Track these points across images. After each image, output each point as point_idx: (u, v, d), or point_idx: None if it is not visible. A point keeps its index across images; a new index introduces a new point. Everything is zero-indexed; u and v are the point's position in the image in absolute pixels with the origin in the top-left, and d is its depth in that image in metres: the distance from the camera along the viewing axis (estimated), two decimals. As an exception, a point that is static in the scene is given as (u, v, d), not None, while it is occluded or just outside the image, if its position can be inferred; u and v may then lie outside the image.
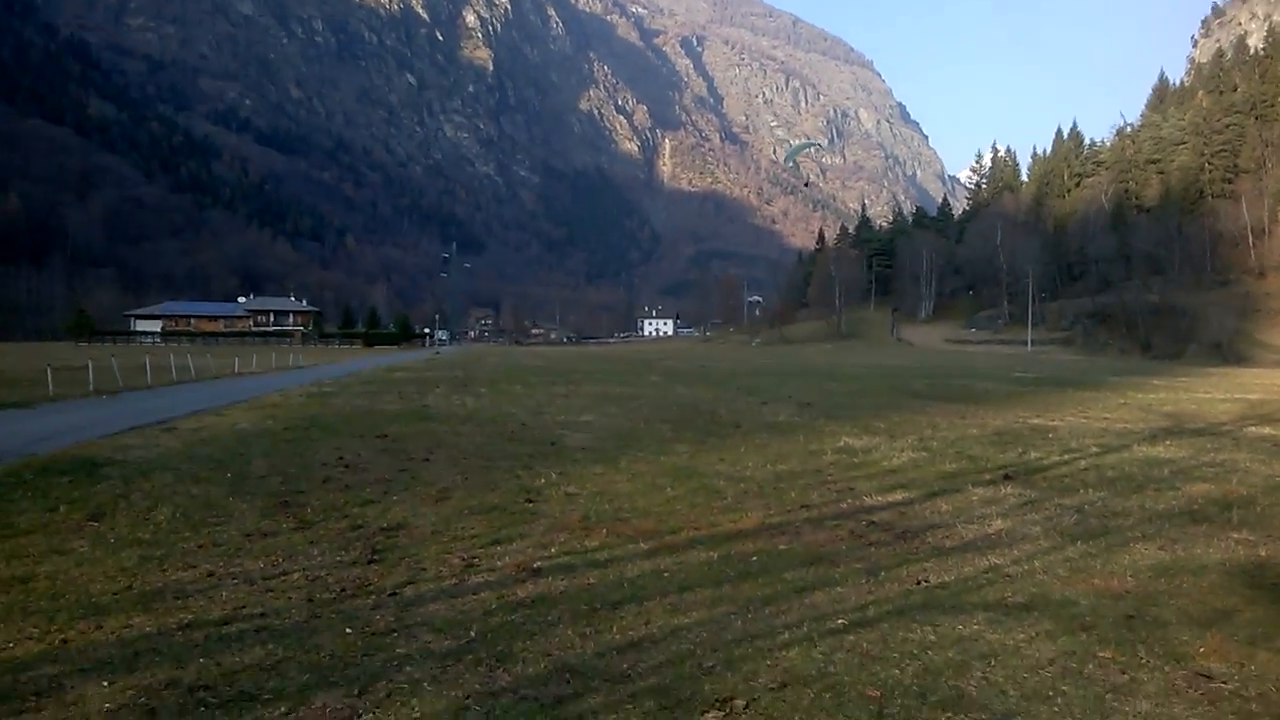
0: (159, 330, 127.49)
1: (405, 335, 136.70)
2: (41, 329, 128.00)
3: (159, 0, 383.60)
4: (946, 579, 7.36)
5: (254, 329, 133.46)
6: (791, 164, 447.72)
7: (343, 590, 6.85)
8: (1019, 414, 22.06)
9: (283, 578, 7.16)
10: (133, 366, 36.90)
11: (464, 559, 7.79)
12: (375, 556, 7.86)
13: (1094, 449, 15.36)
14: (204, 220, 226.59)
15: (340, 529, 8.91)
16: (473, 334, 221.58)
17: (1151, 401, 27.40)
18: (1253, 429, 19.21)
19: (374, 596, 6.69)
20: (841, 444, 15.50)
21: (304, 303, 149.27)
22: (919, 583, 7.23)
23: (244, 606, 6.40)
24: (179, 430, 16.69)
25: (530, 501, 10.33)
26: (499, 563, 7.70)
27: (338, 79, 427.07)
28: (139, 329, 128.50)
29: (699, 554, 8.03)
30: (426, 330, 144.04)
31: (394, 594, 6.75)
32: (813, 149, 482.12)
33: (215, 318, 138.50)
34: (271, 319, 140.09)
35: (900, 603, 6.68)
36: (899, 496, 10.88)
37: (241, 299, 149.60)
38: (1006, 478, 12.24)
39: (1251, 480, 12.25)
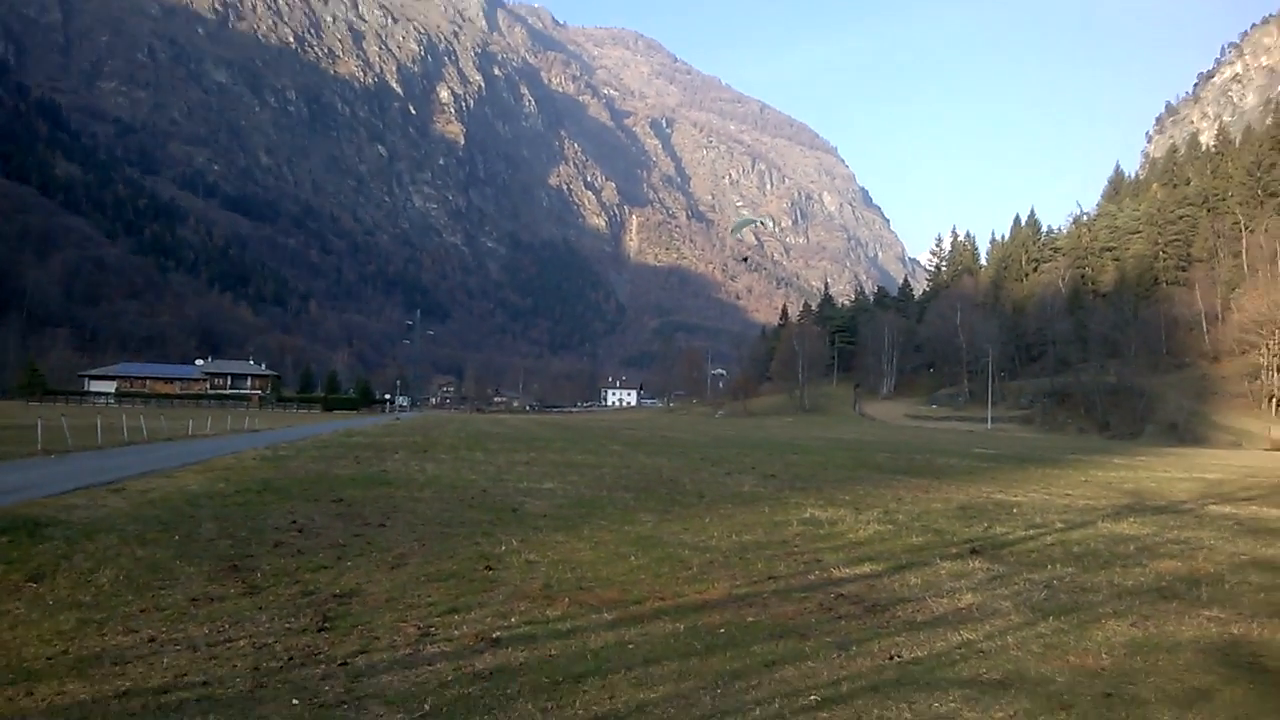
0: (113, 391, 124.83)
1: (365, 400, 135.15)
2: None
3: (133, 65, 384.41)
4: (919, 654, 7.15)
5: (210, 392, 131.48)
6: (739, 236, 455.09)
7: (291, 659, 6.50)
8: (982, 489, 22.03)
9: (228, 645, 6.81)
10: (84, 427, 36.00)
11: (419, 628, 7.48)
12: (326, 624, 7.52)
13: (1059, 525, 15.30)
14: (165, 283, 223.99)
15: (290, 595, 8.55)
16: (434, 400, 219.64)
17: (1112, 479, 27.52)
18: (1213, 507, 19.28)
19: (324, 666, 6.35)
20: (807, 515, 15.31)
21: (263, 366, 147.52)
22: (891, 658, 7.02)
23: (185, 674, 6.05)
24: (127, 491, 16.15)
25: (490, 569, 10.01)
26: (456, 632, 7.39)
27: (308, 148, 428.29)
28: (93, 389, 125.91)
29: (665, 625, 7.77)
30: (387, 396, 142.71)
31: (345, 664, 6.41)
32: (759, 224, 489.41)
33: (171, 380, 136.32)
34: (229, 382, 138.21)
35: (873, 679, 6.45)
36: (867, 569, 10.69)
37: (199, 361, 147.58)
38: (974, 552, 12.10)
39: (1217, 558, 12.21)
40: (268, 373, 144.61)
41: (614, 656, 6.79)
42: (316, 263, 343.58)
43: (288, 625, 7.45)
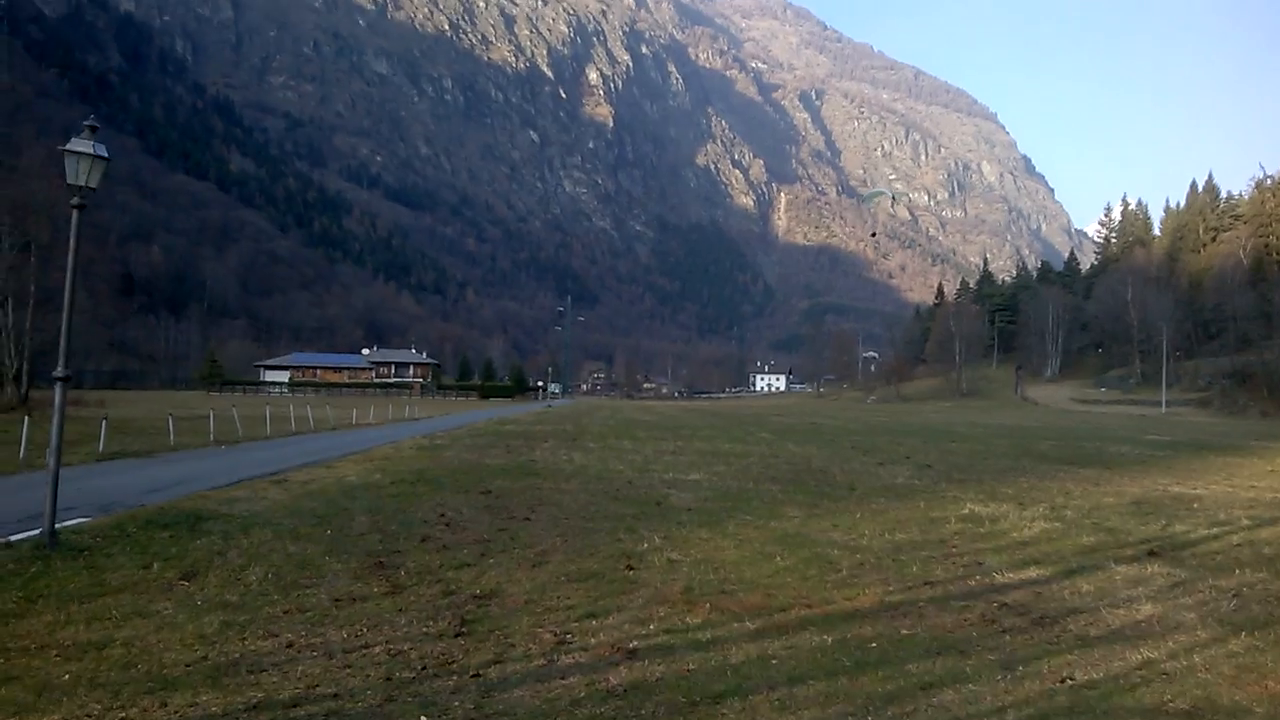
0: (286, 380, 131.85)
1: (519, 387, 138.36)
2: (176, 377, 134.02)
3: (299, 59, 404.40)
4: (1095, 676, 6.49)
5: (376, 380, 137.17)
6: (872, 205, 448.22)
7: (424, 668, 6.40)
8: (1158, 481, 20.56)
9: (364, 651, 6.76)
10: (254, 417, 37.91)
11: (556, 634, 7.29)
12: (464, 628, 7.43)
13: (1245, 522, 14.02)
14: (333, 273, 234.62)
15: (432, 595, 8.55)
16: (585, 387, 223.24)
17: (1304, 469, 25.30)
18: None
19: (456, 677, 6.21)
20: (966, 511, 14.53)
21: (424, 355, 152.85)
22: (1064, 680, 6.39)
23: (318, 685, 6.00)
24: (288, 483, 16.75)
25: (630, 569, 9.79)
26: (593, 640, 7.17)
27: (464, 136, 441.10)
28: (268, 379, 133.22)
29: (811, 637, 7.33)
30: (540, 383, 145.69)
31: (477, 675, 6.26)
32: (891, 196, 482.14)
33: (340, 369, 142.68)
34: (393, 370, 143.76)
35: (1044, 705, 5.87)
36: (1033, 574, 9.94)
37: (365, 350, 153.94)
38: (1151, 554, 11.16)
39: None
40: (428, 361, 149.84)
41: (756, 673, 6.41)
42: (473, 251, 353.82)
43: (425, 629, 7.40)
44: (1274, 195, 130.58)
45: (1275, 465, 26.41)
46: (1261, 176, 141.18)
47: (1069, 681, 6.37)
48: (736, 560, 10.38)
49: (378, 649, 6.82)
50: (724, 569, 9.89)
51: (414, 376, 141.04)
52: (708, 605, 8.25)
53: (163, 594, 8.37)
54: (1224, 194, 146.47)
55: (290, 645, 6.89)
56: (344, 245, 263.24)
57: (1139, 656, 6.98)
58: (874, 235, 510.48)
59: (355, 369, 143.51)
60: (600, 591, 8.78)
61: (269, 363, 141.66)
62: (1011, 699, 5.97)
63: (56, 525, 10.22)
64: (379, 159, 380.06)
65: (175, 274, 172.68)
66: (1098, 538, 12.37)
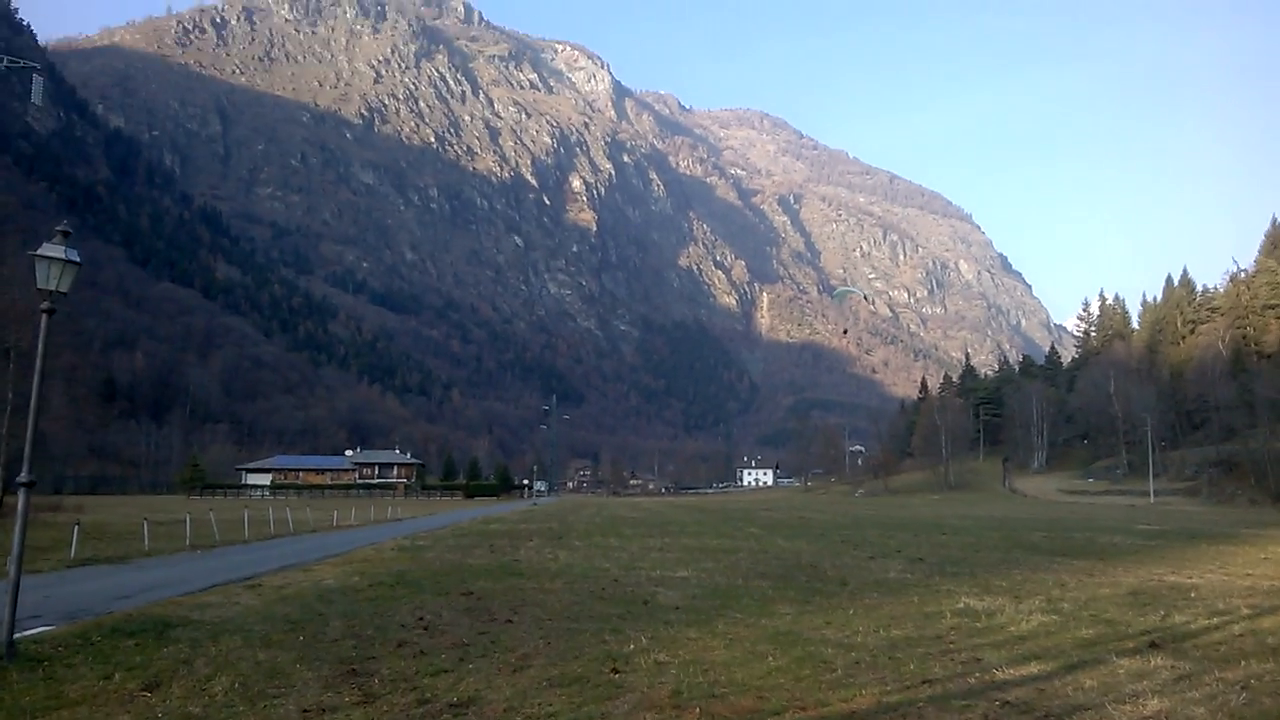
0: (268, 483, 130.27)
1: (505, 486, 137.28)
2: (158, 482, 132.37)
3: (287, 171, 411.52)
4: (1106, 779, 6.17)
5: (359, 481, 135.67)
6: (843, 302, 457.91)
7: (394, 782, 6.02)
8: (1153, 570, 20.33)
9: (330, 766, 6.37)
10: (233, 520, 37.23)
11: (537, 745, 6.91)
12: (439, 740, 7.04)
13: (1245, 611, 13.78)
14: (318, 377, 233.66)
15: (406, 704, 8.14)
16: (571, 484, 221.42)
17: (1297, 556, 25.08)
18: None
19: (427, 793, 5.84)
20: (961, 605, 14.19)
21: (408, 455, 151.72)
22: (1073, 784, 6.07)
23: (279, 803, 5.62)
24: (263, 588, 16.29)
25: (616, 672, 9.40)
26: (575, 751, 6.79)
27: (450, 242, 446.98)
28: (249, 482, 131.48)
29: (806, 741, 6.97)
30: (525, 481, 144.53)
31: (451, 789, 5.88)
32: (863, 295, 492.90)
33: (322, 470, 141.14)
34: (376, 471, 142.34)
35: (1053, 812, 5.53)
36: (1034, 669, 9.61)
37: (349, 452, 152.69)
38: (1153, 646, 10.86)
39: None
40: (412, 461, 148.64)
41: (749, 781, 6.06)
42: (458, 352, 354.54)
43: (397, 742, 7.01)
44: (1248, 288, 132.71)
45: (1268, 553, 26.20)
46: (1236, 270, 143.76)
47: (1079, 784, 6.04)
48: (727, 661, 10.00)
49: (346, 763, 6.44)
50: (714, 670, 9.51)
51: (398, 477, 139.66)
52: (697, 710, 7.88)
53: (122, 706, 7.94)
54: (1199, 287, 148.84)
55: (253, 760, 6.50)
56: (329, 349, 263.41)
57: (1151, 756, 6.67)
58: (845, 333, 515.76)
59: (338, 471, 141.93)
60: (584, 697, 8.40)
61: (250, 466, 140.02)
62: (1020, 804, 5.64)
63: (16, 635, 9.81)
64: (365, 265, 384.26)
65: (158, 379, 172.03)
66: (1097, 630, 12.07)
